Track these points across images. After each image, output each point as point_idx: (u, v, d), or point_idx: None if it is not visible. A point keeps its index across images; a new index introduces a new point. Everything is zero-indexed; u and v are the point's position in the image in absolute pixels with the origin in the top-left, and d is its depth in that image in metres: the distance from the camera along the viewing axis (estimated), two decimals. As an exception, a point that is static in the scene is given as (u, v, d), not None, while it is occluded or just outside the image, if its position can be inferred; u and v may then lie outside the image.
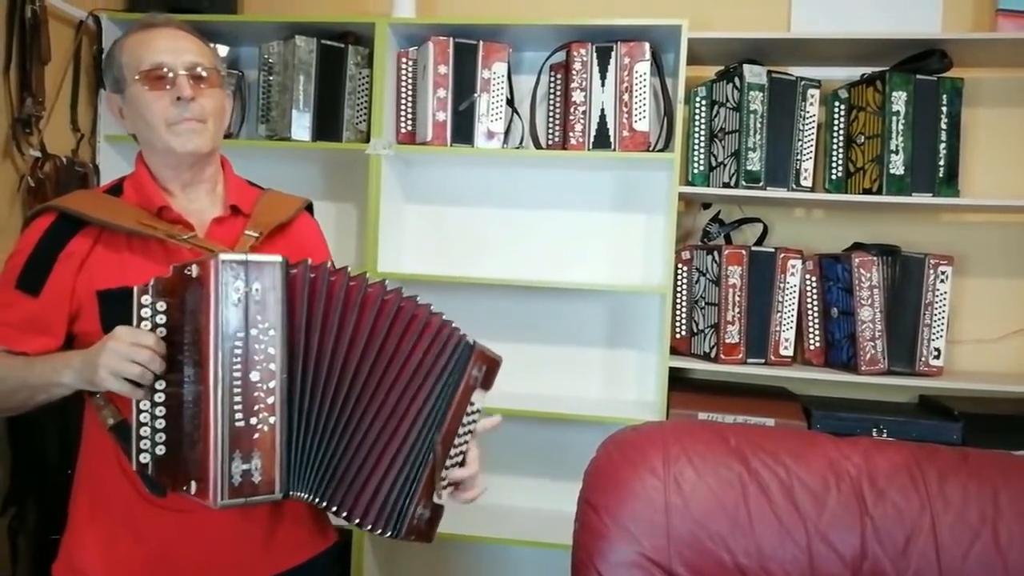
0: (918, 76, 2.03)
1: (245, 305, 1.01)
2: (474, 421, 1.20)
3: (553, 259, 2.38)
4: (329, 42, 2.21)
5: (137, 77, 1.18)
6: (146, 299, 1.03)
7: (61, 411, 2.06)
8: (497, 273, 2.35)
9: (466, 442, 1.19)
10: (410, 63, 2.25)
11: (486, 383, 1.19)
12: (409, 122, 2.25)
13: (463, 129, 2.17)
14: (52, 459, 2.05)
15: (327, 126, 2.22)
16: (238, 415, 1.00)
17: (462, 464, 1.20)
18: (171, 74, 1.17)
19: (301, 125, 2.20)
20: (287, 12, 2.46)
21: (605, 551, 1.32)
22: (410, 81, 2.25)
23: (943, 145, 2.04)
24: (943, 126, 2.04)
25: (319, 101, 2.21)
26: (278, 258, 1.05)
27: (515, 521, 2.29)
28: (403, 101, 2.25)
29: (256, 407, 1.01)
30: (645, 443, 1.41)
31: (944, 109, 2.03)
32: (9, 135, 2.02)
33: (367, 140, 2.21)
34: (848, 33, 2.06)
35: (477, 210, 2.42)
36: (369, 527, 1.10)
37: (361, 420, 1.10)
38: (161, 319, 1.03)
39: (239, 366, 1.00)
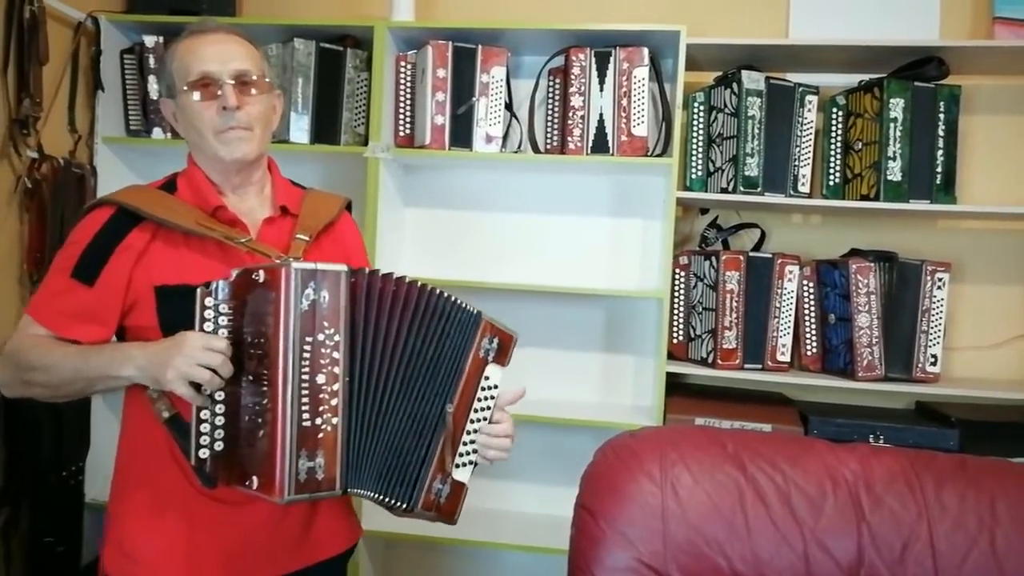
0: (916, 83, 2.03)
1: (313, 311, 1.06)
2: (492, 397, 1.21)
3: (551, 263, 2.38)
4: (328, 45, 2.21)
5: (185, 87, 1.21)
6: (209, 300, 1.08)
7: (55, 413, 2.06)
8: (495, 277, 2.34)
9: (484, 418, 1.21)
10: (409, 66, 2.25)
11: (500, 359, 1.21)
12: (407, 125, 2.25)
13: (461, 133, 2.17)
14: (46, 461, 2.04)
15: (325, 129, 2.22)
16: (305, 415, 1.05)
17: (475, 446, 1.21)
18: (218, 82, 1.19)
19: (299, 128, 2.20)
20: (286, 15, 2.46)
21: (602, 556, 1.31)
22: (409, 84, 2.25)
23: (940, 152, 2.04)
24: (940, 133, 2.04)
25: (317, 104, 2.21)
26: (343, 267, 1.09)
27: (512, 526, 2.28)
28: (401, 104, 2.25)
29: (321, 408, 1.06)
30: (642, 448, 1.40)
31: (941, 116, 2.04)
32: (6, 136, 2.01)
33: (365, 143, 2.21)
34: (846, 40, 2.06)
35: (475, 214, 2.41)
36: (383, 499, 1.13)
37: (401, 411, 1.15)
38: (223, 320, 1.08)
39: (307, 369, 1.05)
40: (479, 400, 1.20)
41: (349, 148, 2.22)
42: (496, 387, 1.22)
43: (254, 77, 1.22)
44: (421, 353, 1.16)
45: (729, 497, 1.34)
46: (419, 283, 1.17)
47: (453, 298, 1.18)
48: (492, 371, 1.21)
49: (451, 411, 1.16)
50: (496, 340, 1.21)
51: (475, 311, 1.19)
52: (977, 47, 2.02)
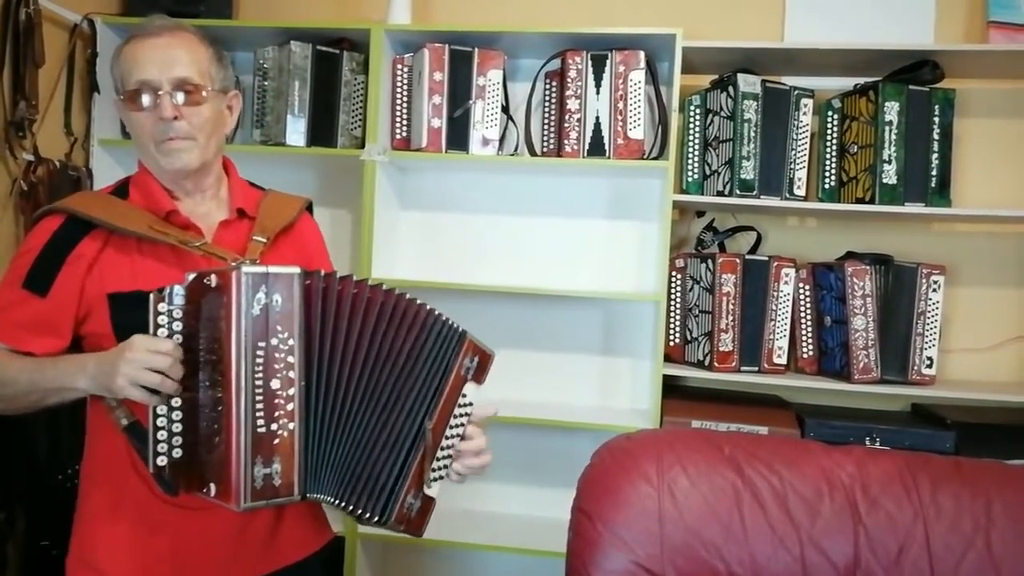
0: (910, 87, 2.04)
1: (265, 315, 1.04)
2: (467, 414, 1.21)
3: (547, 266, 2.38)
4: (324, 48, 2.21)
5: (122, 97, 1.19)
6: (163, 306, 1.05)
7: (51, 414, 2.05)
8: (491, 280, 2.34)
9: (459, 435, 1.21)
10: (405, 69, 2.25)
11: (478, 376, 1.21)
12: (404, 128, 2.25)
13: (458, 136, 2.17)
14: (41, 463, 2.03)
15: (322, 132, 2.22)
16: (260, 421, 1.04)
17: (446, 462, 1.21)
18: (157, 92, 1.16)
19: (296, 131, 2.20)
20: (283, 18, 2.46)
21: (599, 559, 1.32)
22: (405, 87, 2.25)
23: (935, 155, 2.05)
24: (935, 136, 2.05)
25: (314, 107, 2.21)
26: (296, 269, 1.07)
27: (508, 528, 2.28)
28: (398, 107, 2.25)
29: (276, 413, 1.05)
30: (639, 451, 1.41)
31: (936, 119, 2.05)
32: (2, 139, 2.00)
33: (362, 146, 2.21)
34: (841, 43, 2.07)
35: (472, 217, 2.41)
36: (359, 512, 1.12)
37: (366, 417, 1.13)
38: (177, 326, 1.06)
39: (260, 374, 1.04)
40: (455, 417, 1.19)
41: (345, 151, 2.22)
42: (471, 404, 1.22)
43: (196, 83, 1.18)
44: (392, 360, 1.14)
45: (726, 500, 1.34)
46: (396, 290, 1.15)
47: (437, 312, 1.17)
48: (469, 389, 1.20)
49: (430, 427, 1.15)
50: (476, 359, 1.20)
51: (460, 329, 1.18)
52: (971, 51, 2.03)
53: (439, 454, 1.18)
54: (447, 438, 1.19)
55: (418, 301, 1.16)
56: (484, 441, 1.23)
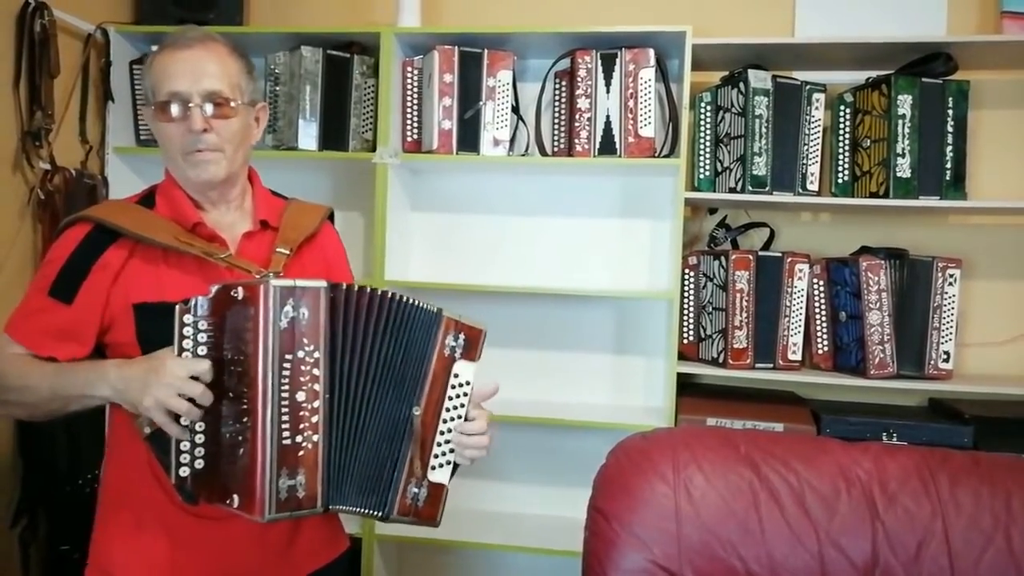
0: (923, 79, 2.02)
1: (292, 329, 1.05)
2: (465, 394, 1.18)
3: (560, 266, 2.38)
4: (335, 52, 2.23)
5: (153, 106, 1.19)
6: (188, 318, 1.06)
7: (70, 422, 2.08)
8: (504, 280, 2.35)
9: (459, 416, 1.18)
10: (415, 72, 2.26)
11: (469, 354, 1.17)
12: (415, 131, 2.26)
13: (469, 137, 2.17)
14: (62, 469, 2.06)
15: (334, 135, 2.23)
16: (285, 433, 1.04)
17: (451, 445, 1.19)
18: (187, 104, 1.16)
19: (308, 135, 2.21)
20: (293, 23, 2.47)
21: (616, 558, 1.32)
22: (416, 90, 2.26)
23: (949, 148, 2.03)
24: (949, 129, 2.03)
25: (325, 111, 2.22)
26: (323, 283, 1.08)
27: (524, 528, 2.28)
28: (409, 110, 2.26)
29: (301, 426, 1.05)
30: (654, 450, 1.40)
31: (950, 112, 2.03)
32: (19, 148, 2.03)
33: (373, 149, 2.22)
34: (853, 37, 2.06)
35: (483, 218, 2.42)
36: (365, 512, 1.12)
37: (375, 422, 1.13)
38: (202, 337, 1.06)
39: (287, 387, 1.04)
40: (450, 399, 1.17)
41: (357, 154, 2.23)
42: (468, 383, 1.18)
43: (226, 96, 1.18)
44: (391, 361, 1.13)
45: (742, 498, 1.34)
46: (388, 292, 1.14)
47: (413, 300, 1.15)
48: (462, 368, 1.17)
49: (418, 414, 1.14)
50: (462, 336, 1.16)
51: (435, 309, 1.16)
52: (985, 42, 2.01)
53: (439, 439, 1.16)
54: (444, 421, 1.17)
55: (395, 294, 1.14)
56: (484, 423, 1.20)
